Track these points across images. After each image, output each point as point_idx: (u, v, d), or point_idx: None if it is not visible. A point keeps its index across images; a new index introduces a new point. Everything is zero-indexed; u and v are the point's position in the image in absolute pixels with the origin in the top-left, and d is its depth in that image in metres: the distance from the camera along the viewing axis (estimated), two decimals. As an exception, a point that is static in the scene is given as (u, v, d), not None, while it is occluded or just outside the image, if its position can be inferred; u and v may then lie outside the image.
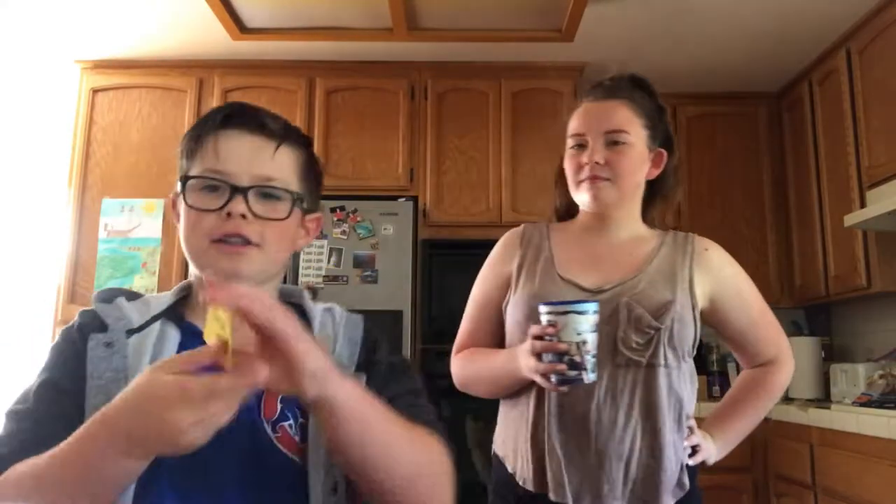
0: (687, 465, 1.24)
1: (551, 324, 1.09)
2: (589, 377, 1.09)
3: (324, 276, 2.96)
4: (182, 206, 0.89)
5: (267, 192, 0.88)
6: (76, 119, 3.29)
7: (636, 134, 1.27)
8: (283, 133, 0.91)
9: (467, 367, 1.34)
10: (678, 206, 3.48)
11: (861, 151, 2.83)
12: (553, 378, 1.09)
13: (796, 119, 3.40)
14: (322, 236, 3.01)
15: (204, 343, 0.77)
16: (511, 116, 3.25)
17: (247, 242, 0.86)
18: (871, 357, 3.08)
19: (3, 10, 2.86)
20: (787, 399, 3.32)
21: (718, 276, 1.31)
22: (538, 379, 1.12)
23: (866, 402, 2.53)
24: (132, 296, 0.94)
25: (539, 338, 1.11)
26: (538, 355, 1.11)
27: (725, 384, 3.29)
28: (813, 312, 3.53)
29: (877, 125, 2.74)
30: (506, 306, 1.32)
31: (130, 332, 0.86)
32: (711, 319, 1.31)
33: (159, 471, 0.74)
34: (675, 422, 1.22)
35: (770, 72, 3.39)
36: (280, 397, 0.86)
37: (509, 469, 1.25)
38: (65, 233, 3.18)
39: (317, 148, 3.36)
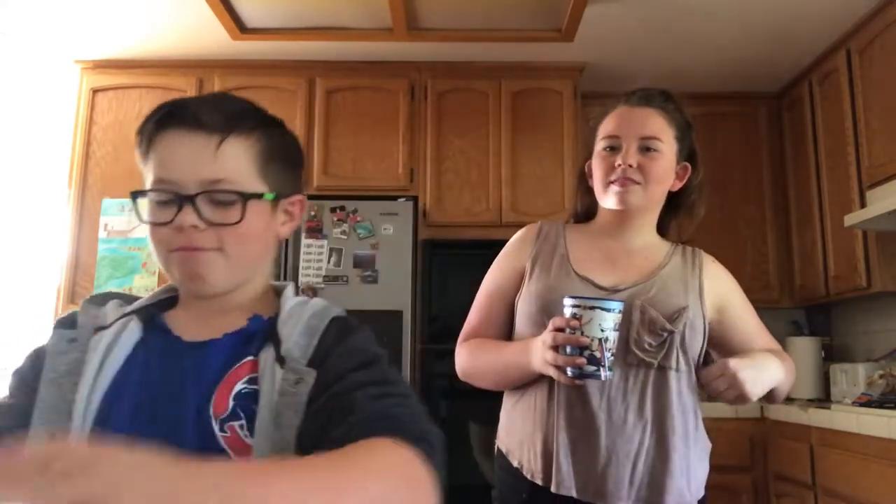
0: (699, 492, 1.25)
1: (576, 317, 1.10)
2: (606, 374, 1.10)
3: (324, 277, 2.96)
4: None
5: (216, 199, 0.81)
6: (76, 119, 3.29)
7: (668, 143, 1.30)
8: (226, 124, 0.82)
9: (474, 356, 1.34)
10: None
11: (861, 151, 2.83)
12: (570, 371, 1.10)
13: (796, 119, 3.40)
14: (322, 236, 3.01)
15: (163, 335, 0.82)
16: (511, 116, 3.25)
17: (212, 249, 0.82)
18: (871, 357, 3.08)
19: (3, 10, 2.86)
20: (787, 399, 3.32)
21: (725, 288, 1.36)
22: (552, 372, 1.13)
23: (866, 402, 2.53)
24: (129, 300, 0.91)
25: (560, 330, 1.11)
26: (556, 347, 1.12)
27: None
28: (813, 312, 3.53)
29: (877, 125, 2.74)
30: (518, 299, 1.33)
31: (99, 329, 0.84)
32: (718, 329, 1.33)
33: None
34: (683, 428, 1.22)
35: (770, 72, 3.39)
36: (233, 393, 0.79)
37: (514, 463, 1.25)
38: (65, 233, 3.19)
39: (317, 148, 3.39)
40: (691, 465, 1.22)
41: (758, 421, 3.04)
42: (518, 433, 1.27)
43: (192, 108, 0.83)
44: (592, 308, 1.09)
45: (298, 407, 0.77)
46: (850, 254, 2.91)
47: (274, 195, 0.86)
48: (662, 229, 1.40)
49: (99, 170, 3.23)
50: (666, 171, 1.30)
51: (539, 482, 1.21)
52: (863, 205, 2.79)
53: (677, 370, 1.23)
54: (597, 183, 1.32)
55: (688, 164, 1.35)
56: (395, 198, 3.14)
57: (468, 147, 3.24)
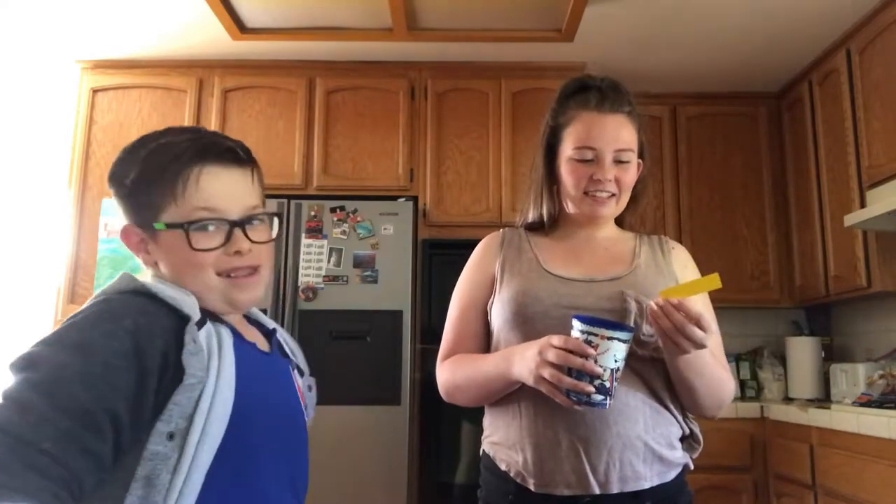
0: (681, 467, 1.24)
1: (591, 344, 1.04)
2: (611, 402, 1.07)
3: (324, 276, 2.96)
4: (168, 245, 0.93)
5: (255, 220, 0.96)
6: (76, 119, 3.29)
7: (635, 150, 1.32)
8: (250, 157, 0.98)
9: (455, 374, 1.31)
10: (678, 205, 3.49)
11: (861, 151, 2.83)
12: (573, 396, 1.06)
13: (796, 119, 3.40)
14: (322, 236, 3.01)
15: (241, 341, 0.96)
16: (511, 116, 3.25)
17: (254, 270, 0.96)
18: (871, 357, 3.08)
19: (3, 10, 2.86)
20: (787, 399, 3.33)
21: (685, 273, 1.34)
22: (544, 388, 1.09)
23: (866, 402, 2.53)
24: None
25: (570, 352, 1.06)
26: (557, 365, 1.07)
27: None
28: (813, 312, 3.53)
29: (877, 125, 2.74)
30: (490, 306, 1.31)
31: (199, 324, 0.89)
32: None
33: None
34: (657, 414, 1.21)
35: (770, 72, 3.39)
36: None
37: (502, 466, 1.24)
38: (65, 233, 3.19)
39: (317, 148, 3.40)
40: (663, 447, 1.20)
41: (758, 421, 3.04)
42: (503, 438, 1.25)
43: (226, 142, 0.96)
44: (610, 339, 1.03)
45: (314, 405, 1.08)
46: (850, 254, 2.91)
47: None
48: (617, 221, 1.40)
49: (99, 170, 3.23)
50: (634, 176, 1.32)
51: (526, 484, 1.19)
52: (863, 205, 2.79)
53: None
54: (568, 189, 1.31)
55: (640, 161, 1.35)
56: (395, 198, 3.14)
57: (468, 147, 3.24)
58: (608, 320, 1.08)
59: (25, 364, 0.79)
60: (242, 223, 0.94)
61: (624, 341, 1.05)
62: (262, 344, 1.04)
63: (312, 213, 3.03)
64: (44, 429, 0.74)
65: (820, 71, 3.18)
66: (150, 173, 0.93)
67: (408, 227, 3.04)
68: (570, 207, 1.34)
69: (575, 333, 1.06)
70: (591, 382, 1.04)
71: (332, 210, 3.04)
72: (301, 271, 2.97)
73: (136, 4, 2.83)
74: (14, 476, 0.70)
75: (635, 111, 1.33)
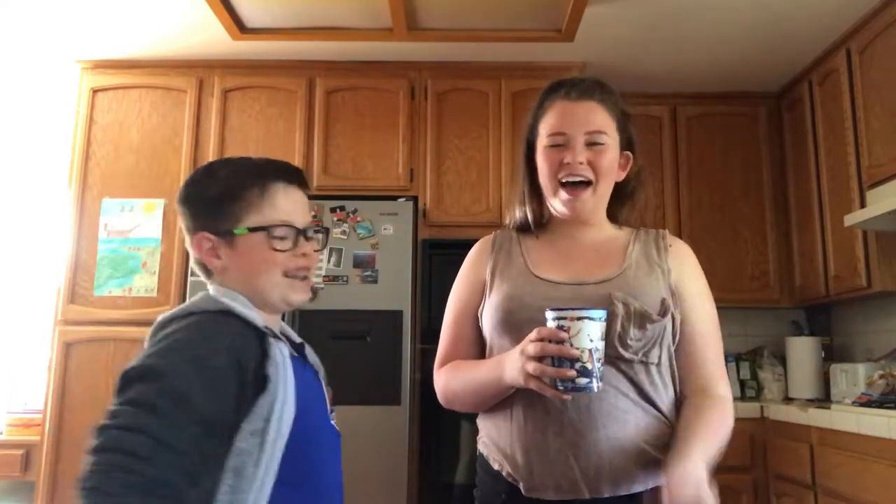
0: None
1: (563, 328, 1.05)
2: (599, 385, 1.06)
3: (324, 276, 2.96)
4: (245, 247, 1.10)
5: (315, 231, 1.17)
6: (76, 119, 3.28)
7: (612, 136, 1.28)
8: (307, 180, 1.20)
9: (450, 381, 1.31)
10: (678, 205, 3.49)
11: (861, 151, 2.83)
12: (560, 385, 1.06)
13: (796, 119, 3.40)
14: (322, 236, 3.01)
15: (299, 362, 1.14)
16: (511, 116, 3.25)
17: (307, 276, 1.15)
18: (871, 357, 3.08)
19: (3, 10, 2.86)
20: (787, 399, 3.33)
21: (685, 271, 1.29)
22: (533, 385, 1.09)
23: (866, 402, 2.53)
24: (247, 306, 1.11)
25: (545, 340, 1.07)
26: (539, 359, 1.07)
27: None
28: (813, 312, 3.53)
29: (877, 125, 2.74)
30: (481, 312, 1.30)
31: (273, 337, 1.06)
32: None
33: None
34: (648, 417, 1.19)
35: (770, 72, 3.39)
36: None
37: (495, 466, 1.24)
38: (65, 233, 3.18)
39: (317, 148, 3.40)
40: (656, 450, 1.18)
41: (758, 421, 3.04)
42: (496, 439, 1.25)
43: (295, 167, 1.18)
44: (580, 318, 1.05)
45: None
46: (850, 254, 2.91)
47: None
48: (611, 219, 1.36)
49: (99, 170, 3.23)
50: (612, 163, 1.29)
51: (518, 486, 1.19)
52: (863, 205, 2.79)
53: (658, 364, 1.20)
54: (545, 181, 1.30)
55: (629, 154, 1.33)
56: (395, 198, 3.14)
57: (468, 147, 3.24)
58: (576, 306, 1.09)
59: (147, 374, 0.90)
60: (307, 231, 1.14)
61: (594, 319, 1.05)
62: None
63: (312, 214, 3.03)
64: (178, 433, 0.86)
65: (820, 71, 3.18)
66: (236, 188, 1.10)
67: (408, 227, 3.04)
68: (551, 204, 1.32)
69: (549, 324, 1.08)
70: (572, 367, 1.05)
71: (333, 210, 3.04)
72: (301, 271, 2.97)
73: (136, 4, 2.83)
74: (162, 470, 0.83)
75: (614, 102, 1.31)
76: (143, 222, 3.15)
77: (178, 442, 0.85)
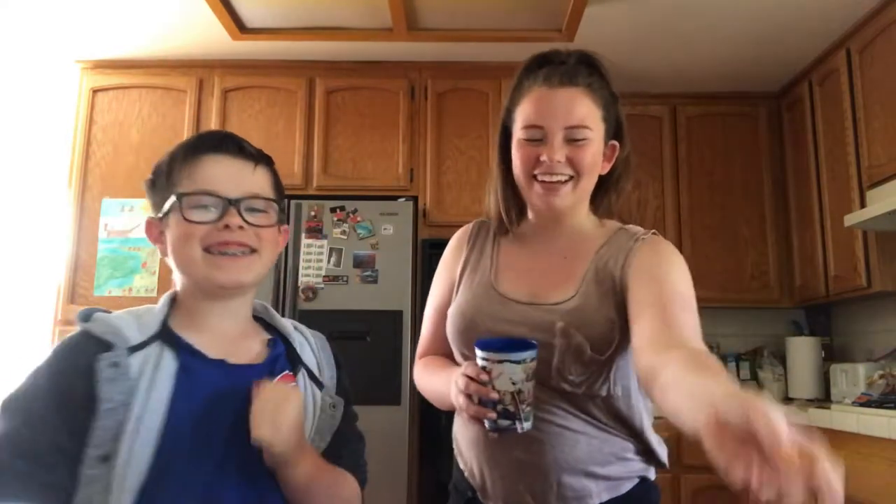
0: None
1: (485, 370, 0.99)
2: (523, 426, 1.01)
3: (324, 276, 2.96)
4: (171, 224, 0.98)
5: (253, 206, 0.99)
6: (76, 119, 3.29)
7: (596, 128, 1.15)
8: (258, 155, 1.04)
9: (419, 379, 1.31)
10: (678, 205, 3.49)
11: (861, 151, 2.83)
12: (486, 423, 1.00)
13: (796, 119, 3.40)
14: (322, 236, 3.01)
15: (201, 360, 0.94)
16: (511, 116, 3.25)
17: (251, 251, 0.98)
18: (871, 357, 3.08)
19: (3, 10, 2.86)
20: (787, 399, 3.33)
21: (639, 265, 1.12)
22: (464, 416, 1.03)
23: (866, 402, 2.53)
24: (137, 314, 0.98)
25: (471, 378, 1.01)
26: (469, 395, 1.01)
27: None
28: (813, 312, 3.53)
29: (877, 125, 2.74)
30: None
31: (131, 349, 0.91)
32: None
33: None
34: (605, 436, 1.13)
35: (770, 72, 3.39)
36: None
37: (462, 466, 1.24)
38: (65, 233, 3.19)
39: (317, 148, 3.40)
40: (607, 466, 1.13)
41: (758, 421, 3.04)
42: (459, 443, 1.25)
43: (234, 137, 1.03)
44: (500, 362, 0.98)
45: (332, 428, 1.03)
46: (850, 254, 2.91)
47: (284, 215, 1.08)
48: (594, 209, 1.25)
49: (99, 170, 3.23)
50: (595, 158, 1.16)
51: (477, 491, 1.19)
52: (863, 205, 2.79)
53: (609, 397, 1.11)
54: (519, 175, 1.18)
55: (615, 143, 1.20)
56: (395, 198, 3.14)
57: (468, 147, 3.24)
58: (505, 341, 1.02)
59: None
60: (238, 201, 0.97)
61: (516, 362, 0.98)
62: (259, 356, 1.02)
63: (312, 213, 3.03)
64: (6, 476, 0.83)
65: (820, 71, 3.18)
66: (164, 166, 1.02)
67: (408, 227, 3.04)
68: (527, 198, 1.21)
69: (477, 361, 1.02)
70: (494, 408, 0.99)
71: (332, 210, 3.04)
72: (301, 271, 2.97)
73: (136, 4, 2.84)
74: None
75: (601, 85, 1.17)
76: (142, 222, 3.14)
77: (6, 485, 0.83)
